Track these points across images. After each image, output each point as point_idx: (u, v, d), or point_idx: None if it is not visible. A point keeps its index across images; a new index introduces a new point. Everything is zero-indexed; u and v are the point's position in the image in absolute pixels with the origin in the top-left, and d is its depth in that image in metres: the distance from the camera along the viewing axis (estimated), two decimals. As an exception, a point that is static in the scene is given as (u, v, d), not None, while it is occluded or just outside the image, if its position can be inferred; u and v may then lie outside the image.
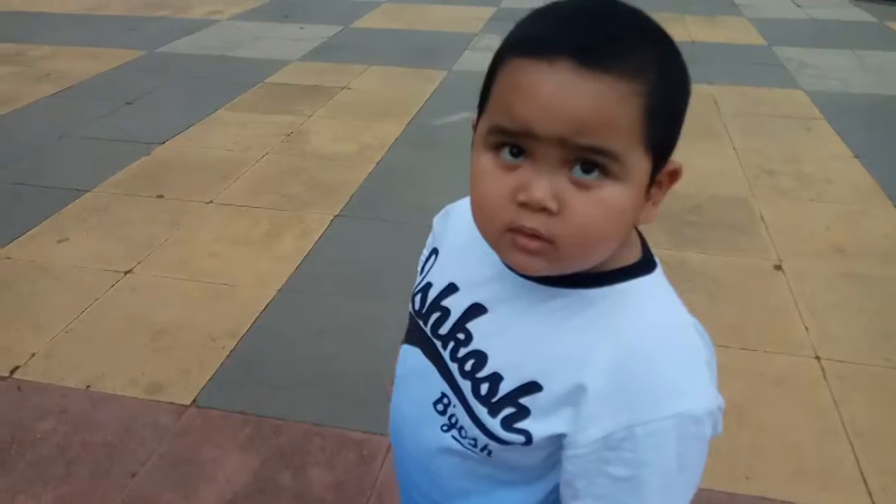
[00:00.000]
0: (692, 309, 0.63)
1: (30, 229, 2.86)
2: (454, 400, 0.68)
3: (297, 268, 2.61)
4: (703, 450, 0.59)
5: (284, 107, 4.21)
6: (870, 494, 1.70)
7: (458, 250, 0.72)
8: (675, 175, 0.59)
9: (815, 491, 1.71)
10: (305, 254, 2.70)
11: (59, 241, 2.78)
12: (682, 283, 2.45)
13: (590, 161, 0.52)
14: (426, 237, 0.84)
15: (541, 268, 0.57)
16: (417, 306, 0.75)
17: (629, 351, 0.59)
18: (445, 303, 0.71)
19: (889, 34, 5.93)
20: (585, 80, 0.50)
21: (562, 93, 0.51)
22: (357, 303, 2.42)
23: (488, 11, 6.52)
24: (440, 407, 0.70)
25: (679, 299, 0.64)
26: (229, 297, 2.45)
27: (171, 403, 1.98)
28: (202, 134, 3.82)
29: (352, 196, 3.14)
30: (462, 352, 0.67)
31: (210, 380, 2.07)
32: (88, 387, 2.04)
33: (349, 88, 4.55)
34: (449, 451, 0.70)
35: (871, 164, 3.41)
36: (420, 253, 0.84)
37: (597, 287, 0.61)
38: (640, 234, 0.66)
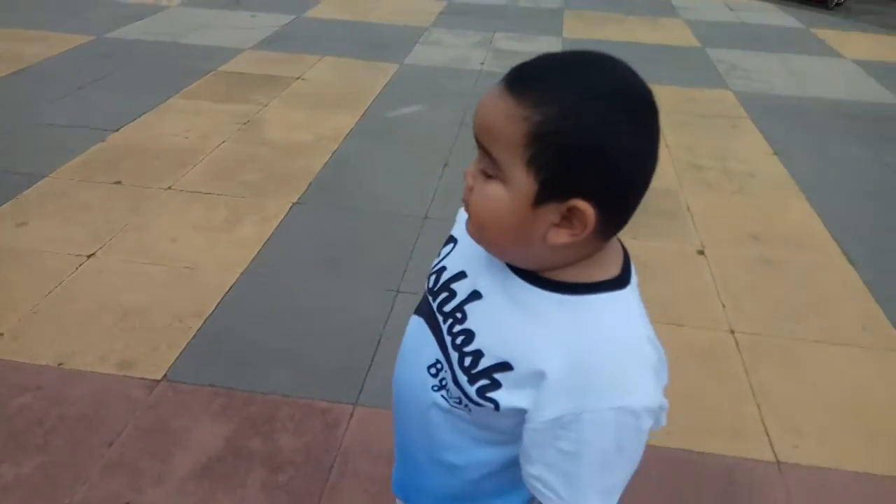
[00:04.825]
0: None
1: (-13, 214, 2.89)
2: (445, 366, 0.81)
3: (257, 252, 2.73)
4: (639, 438, 0.70)
5: (239, 95, 4.28)
6: (771, 445, 1.97)
7: (473, 243, 0.77)
8: (581, 215, 0.65)
9: (726, 443, 1.97)
10: (266, 239, 2.82)
11: (19, 225, 2.82)
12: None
13: (485, 160, 0.68)
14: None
15: (471, 234, 0.73)
16: (431, 284, 0.86)
17: (583, 351, 0.69)
18: (454, 286, 0.82)
19: (813, 40, 6.35)
20: (498, 99, 0.66)
21: (484, 104, 0.68)
22: (317, 284, 2.57)
23: (439, 5, 6.65)
24: (433, 371, 0.83)
25: (643, 315, 0.74)
26: (192, 280, 2.56)
27: (143, 379, 2.10)
28: (156, 121, 3.87)
29: (309, 184, 3.27)
30: (457, 328, 0.79)
31: (179, 357, 2.19)
32: (61, 364, 2.13)
33: (303, 79, 4.64)
34: (438, 407, 0.83)
35: (788, 161, 3.74)
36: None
37: (569, 294, 0.72)
38: (626, 256, 0.77)
